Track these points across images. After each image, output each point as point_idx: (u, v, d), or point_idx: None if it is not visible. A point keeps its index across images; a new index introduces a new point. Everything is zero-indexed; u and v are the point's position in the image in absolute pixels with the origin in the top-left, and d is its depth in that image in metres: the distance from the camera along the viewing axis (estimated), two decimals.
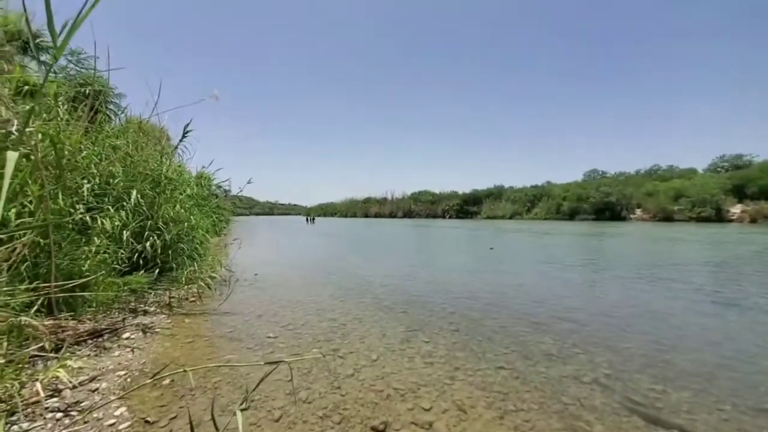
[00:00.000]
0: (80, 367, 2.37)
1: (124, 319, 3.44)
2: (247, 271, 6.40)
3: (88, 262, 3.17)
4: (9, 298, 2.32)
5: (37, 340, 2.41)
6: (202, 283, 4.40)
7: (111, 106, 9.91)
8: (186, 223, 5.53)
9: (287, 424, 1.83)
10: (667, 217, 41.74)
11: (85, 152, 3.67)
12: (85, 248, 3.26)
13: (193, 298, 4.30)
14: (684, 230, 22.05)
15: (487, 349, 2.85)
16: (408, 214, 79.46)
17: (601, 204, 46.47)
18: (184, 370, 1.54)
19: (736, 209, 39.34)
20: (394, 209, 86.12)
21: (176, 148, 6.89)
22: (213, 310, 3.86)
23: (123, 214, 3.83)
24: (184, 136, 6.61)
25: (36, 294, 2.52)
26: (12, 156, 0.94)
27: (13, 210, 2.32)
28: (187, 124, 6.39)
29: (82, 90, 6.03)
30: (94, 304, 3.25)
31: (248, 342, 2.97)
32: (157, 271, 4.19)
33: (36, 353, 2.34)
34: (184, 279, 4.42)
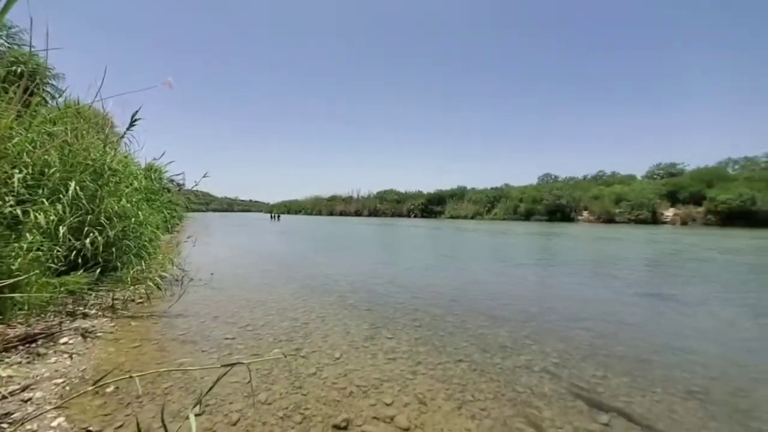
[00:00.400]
0: (9, 376, 2.13)
1: (60, 322, 3.13)
2: (202, 270, 6.07)
3: (19, 260, 2.85)
4: None
5: None
6: (151, 283, 4.12)
7: (48, 89, 8.91)
8: (133, 219, 5.14)
9: (245, 426, 1.78)
10: (610, 219, 45.47)
11: (16, 138, 3.29)
12: (15, 245, 2.92)
13: (140, 299, 4.01)
14: (624, 231, 24.16)
15: (448, 344, 2.94)
16: (373, 213, 79.64)
17: (553, 206, 49.60)
18: (130, 376, 1.43)
19: (669, 212, 43.78)
20: (360, 208, 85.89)
21: (122, 137, 6.37)
22: (163, 312, 3.63)
23: (60, 207, 3.48)
24: (132, 125, 6.12)
25: None
26: None
27: None
28: (136, 112, 5.93)
29: (13, 69, 5.36)
30: (26, 307, 2.93)
31: (203, 344, 2.83)
32: (98, 270, 3.85)
33: None
34: (129, 279, 4.11)
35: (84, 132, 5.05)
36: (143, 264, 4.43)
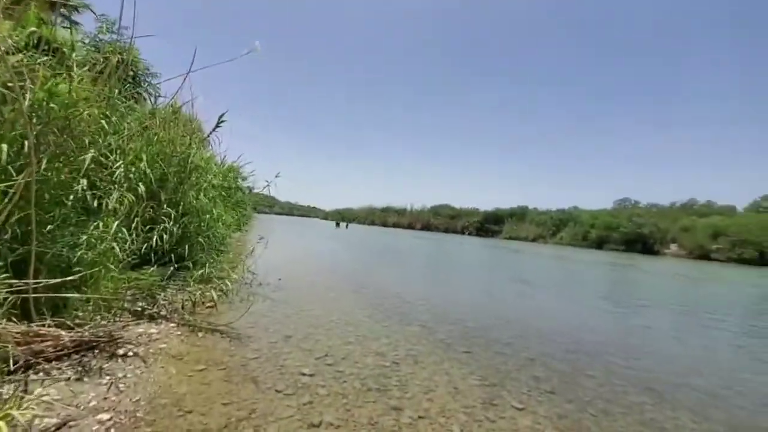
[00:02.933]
0: (50, 402, 1.67)
1: (124, 326, 2.77)
2: (270, 274, 5.70)
3: (90, 252, 2.52)
4: None
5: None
6: (221, 287, 3.70)
7: (146, 86, 9.57)
8: (208, 215, 4.92)
9: None
10: (704, 255, 38.97)
11: (104, 122, 3.08)
12: (91, 233, 2.61)
13: (209, 304, 3.61)
14: (730, 271, 20.14)
15: None
16: (426, 227, 78.08)
17: (633, 235, 43.91)
18: None
19: None
20: (413, 221, 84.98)
21: (208, 136, 6.38)
22: (232, 323, 3.14)
23: (136, 196, 3.20)
24: (218, 125, 6.09)
25: (8, 290, 1.85)
26: None
27: None
28: (222, 115, 5.87)
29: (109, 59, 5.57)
30: (90, 305, 2.57)
31: (277, 381, 2.21)
32: (171, 268, 3.53)
33: None
34: (200, 279, 3.74)
35: (171, 123, 5.00)
36: (215, 265, 4.07)
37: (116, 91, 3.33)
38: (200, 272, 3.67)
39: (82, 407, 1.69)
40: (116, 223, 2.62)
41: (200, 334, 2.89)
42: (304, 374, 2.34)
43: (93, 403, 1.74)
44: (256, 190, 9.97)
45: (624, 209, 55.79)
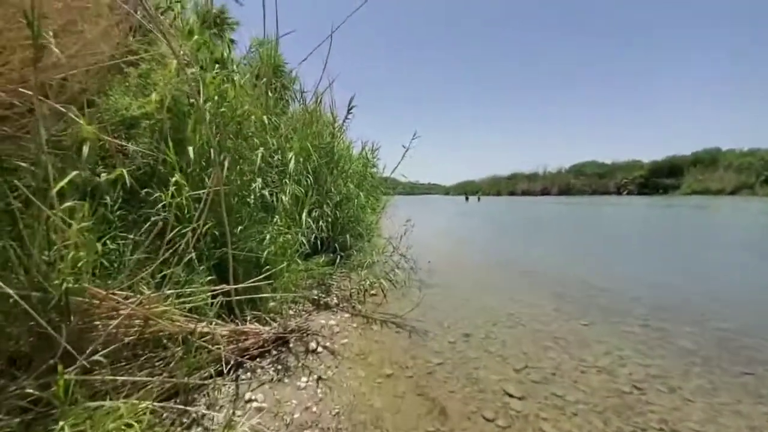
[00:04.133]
0: (259, 408, 1.63)
1: (309, 314, 2.83)
2: (418, 256, 5.46)
3: (272, 246, 2.58)
4: (186, 298, 1.74)
5: (211, 353, 1.80)
6: (390, 276, 3.55)
7: (289, 92, 10.63)
8: (356, 201, 4.93)
9: None
10: None
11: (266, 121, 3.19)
12: (270, 229, 2.70)
13: (373, 292, 3.51)
14: None
15: None
16: (565, 191, 67.68)
17: None
18: None
19: None
20: (548, 185, 75.04)
21: (343, 123, 6.48)
22: (402, 316, 2.89)
23: (301, 189, 3.25)
24: (349, 112, 6.09)
25: (213, 291, 1.92)
26: None
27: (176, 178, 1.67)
28: (351, 99, 5.80)
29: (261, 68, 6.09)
30: (279, 297, 2.67)
31: (480, 403, 1.75)
32: (338, 256, 3.54)
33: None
34: (364, 266, 3.67)
35: (318, 116, 5.15)
36: (374, 252, 3.98)
37: (271, 94, 3.46)
38: (368, 260, 3.59)
39: (287, 420, 1.59)
40: (304, 215, 2.63)
41: (374, 327, 2.73)
42: (511, 396, 1.81)
43: (297, 415, 1.63)
44: (380, 174, 10.04)
45: None
